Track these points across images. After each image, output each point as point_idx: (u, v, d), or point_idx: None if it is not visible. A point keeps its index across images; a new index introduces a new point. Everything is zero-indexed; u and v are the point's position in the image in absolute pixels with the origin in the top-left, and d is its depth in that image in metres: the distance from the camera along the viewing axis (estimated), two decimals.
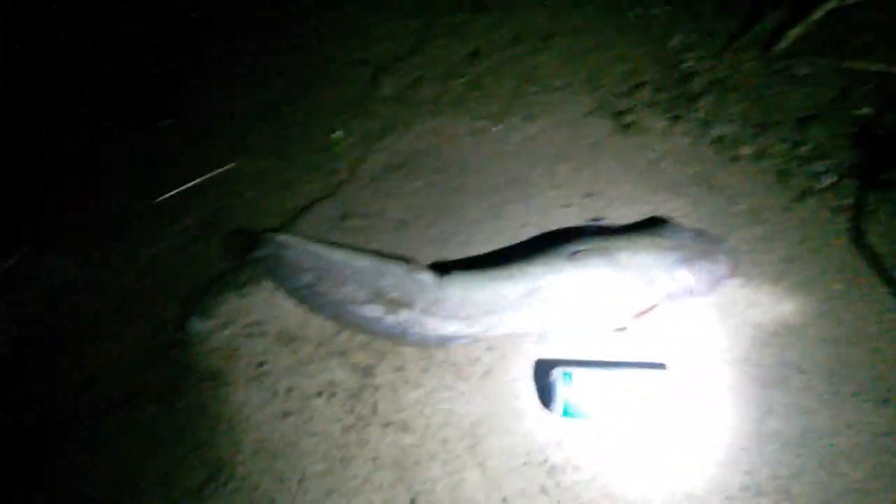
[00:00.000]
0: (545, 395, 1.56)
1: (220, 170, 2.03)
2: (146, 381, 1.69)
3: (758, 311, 1.66)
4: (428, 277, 1.65)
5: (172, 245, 1.92)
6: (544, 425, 1.56)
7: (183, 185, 2.01)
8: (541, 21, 2.22)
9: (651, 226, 1.74)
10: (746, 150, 1.88)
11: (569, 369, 1.51)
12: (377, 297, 1.67)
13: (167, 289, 1.84)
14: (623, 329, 1.63)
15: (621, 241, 1.63)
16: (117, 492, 1.56)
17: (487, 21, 2.24)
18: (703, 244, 1.62)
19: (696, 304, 1.66)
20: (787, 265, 1.72)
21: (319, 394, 1.62)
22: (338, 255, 1.74)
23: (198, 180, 2.02)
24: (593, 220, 1.82)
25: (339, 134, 2.08)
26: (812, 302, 1.67)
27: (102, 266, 1.90)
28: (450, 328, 1.61)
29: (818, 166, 1.84)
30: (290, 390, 1.63)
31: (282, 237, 1.80)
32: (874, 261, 1.70)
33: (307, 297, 1.72)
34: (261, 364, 1.67)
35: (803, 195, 1.81)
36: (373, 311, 1.66)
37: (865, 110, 1.91)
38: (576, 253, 1.59)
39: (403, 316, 1.64)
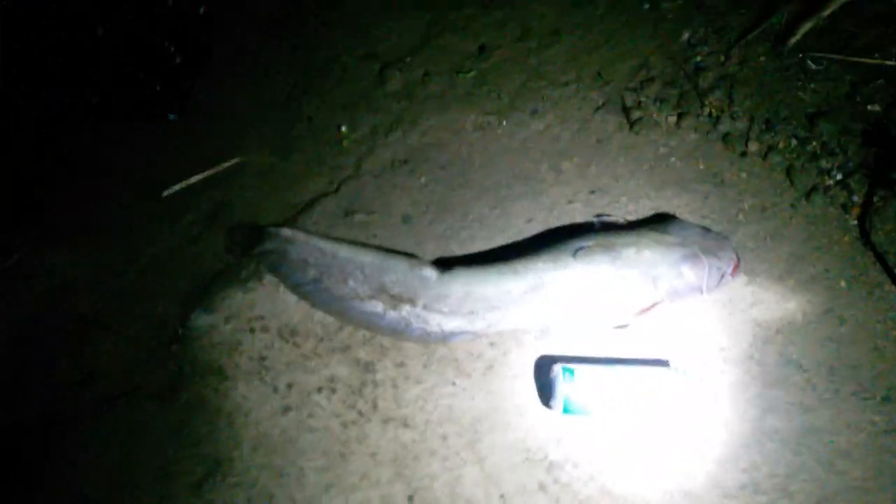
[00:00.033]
0: (546, 391, 1.64)
1: (227, 164, 2.11)
2: (146, 377, 1.79)
3: (761, 308, 1.73)
4: (431, 273, 1.72)
5: (175, 242, 2.00)
6: (545, 422, 1.64)
7: (189, 179, 2.09)
8: (550, 16, 2.26)
9: (656, 222, 1.80)
10: (755, 147, 1.95)
11: (570, 365, 1.59)
12: (380, 292, 1.74)
13: (169, 286, 1.93)
14: (626, 326, 1.70)
15: (626, 238, 1.69)
16: (116, 489, 1.67)
17: (496, 16, 2.28)
18: (708, 241, 1.69)
19: (700, 302, 1.72)
20: (793, 263, 1.78)
21: (320, 389, 1.71)
22: (341, 251, 1.81)
23: (204, 174, 2.09)
24: (598, 216, 1.87)
25: (344, 130, 2.15)
26: (816, 300, 1.73)
27: (103, 265, 1.99)
28: (452, 324, 1.68)
29: (826, 163, 1.90)
30: (290, 386, 1.72)
31: (286, 232, 1.87)
32: (881, 259, 1.75)
33: (310, 292, 1.80)
34: (262, 359, 1.76)
35: (811, 192, 1.86)
36: (375, 306, 1.74)
37: (876, 107, 1.95)
38: (580, 249, 1.66)
39: (406, 311, 1.71)
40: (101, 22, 2.25)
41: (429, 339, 1.72)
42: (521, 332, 1.75)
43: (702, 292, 1.65)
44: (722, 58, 2.11)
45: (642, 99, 2.08)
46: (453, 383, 1.71)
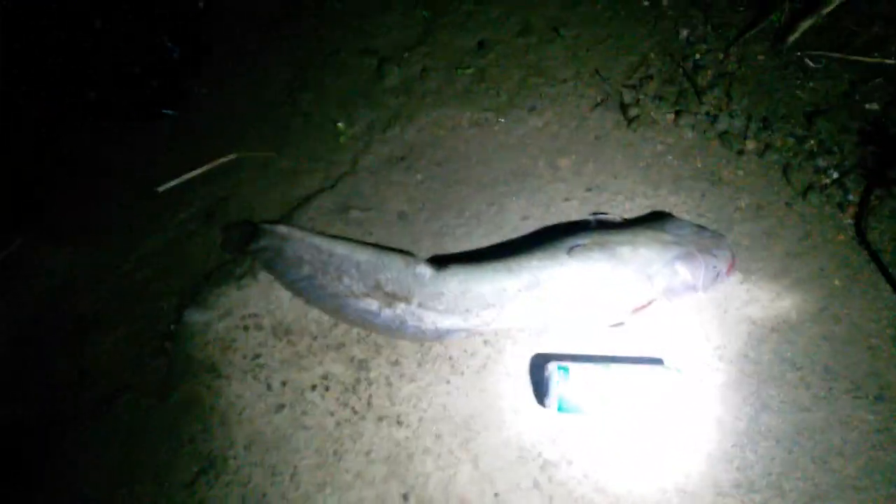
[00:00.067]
0: (540, 390, 1.63)
1: (222, 160, 2.11)
2: (142, 375, 1.79)
3: (756, 307, 1.74)
4: (426, 271, 1.72)
5: (171, 238, 2.01)
6: (539, 420, 1.64)
7: (185, 175, 2.09)
8: (550, 12, 2.27)
9: (653, 220, 1.81)
10: (752, 145, 1.95)
11: (565, 364, 1.59)
12: (375, 290, 1.74)
13: (165, 283, 1.93)
14: (621, 324, 1.70)
15: (622, 236, 1.69)
16: (112, 487, 1.67)
17: (495, 12, 2.30)
18: (704, 239, 1.69)
19: (695, 300, 1.73)
20: (788, 261, 1.79)
21: (314, 387, 1.71)
22: (337, 248, 1.82)
23: (200, 170, 2.10)
24: (595, 214, 1.88)
25: (340, 126, 2.15)
26: (811, 299, 1.74)
27: (103, 264, 1.99)
28: (447, 322, 1.69)
29: (823, 162, 1.90)
30: (284, 383, 1.72)
31: (281, 229, 1.88)
32: (875, 258, 1.76)
33: (305, 289, 1.80)
34: (256, 357, 1.76)
35: (807, 191, 1.87)
36: (370, 304, 1.74)
37: (874, 105, 1.96)
38: (576, 247, 1.66)
39: (401, 309, 1.71)
40: (101, 18, 2.24)
41: (423, 337, 1.72)
42: (517, 329, 1.76)
43: (697, 290, 1.65)
44: (720, 56, 2.12)
45: (640, 96, 2.09)
46: (447, 381, 1.72)
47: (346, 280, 1.77)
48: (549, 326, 1.75)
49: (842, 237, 1.81)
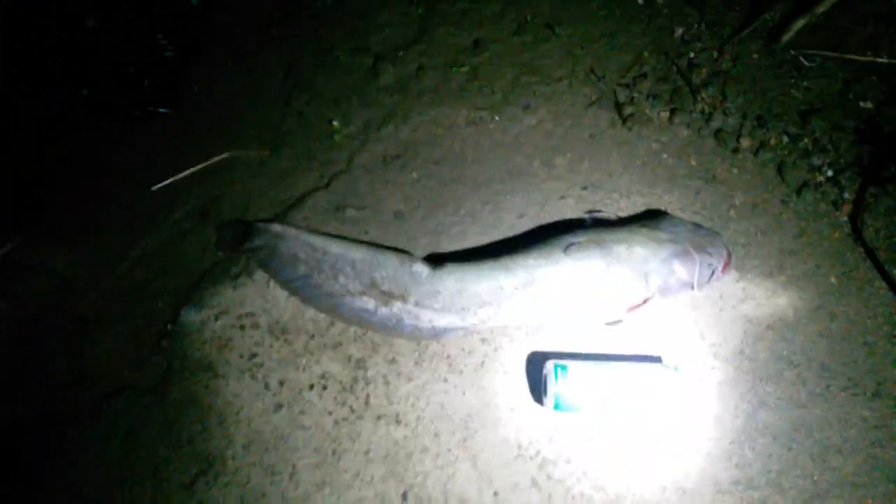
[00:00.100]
0: (538, 388, 1.62)
1: (214, 159, 2.08)
2: (141, 373, 1.77)
3: (752, 304, 1.72)
4: (422, 269, 1.69)
5: (166, 238, 1.98)
6: (537, 419, 1.62)
7: (178, 174, 2.06)
8: (545, 10, 2.24)
9: (648, 218, 1.78)
10: (747, 143, 1.93)
11: (562, 362, 1.57)
12: (371, 288, 1.72)
13: (161, 282, 1.90)
14: (618, 322, 1.67)
15: (618, 234, 1.67)
16: (111, 488, 1.65)
17: (491, 10, 2.27)
18: (699, 238, 1.66)
19: (691, 298, 1.71)
20: (784, 259, 1.77)
21: (311, 386, 1.69)
22: (332, 247, 1.79)
23: (192, 169, 2.07)
24: (590, 212, 1.86)
25: (335, 124, 2.12)
26: (807, 296, 1.72)
27: (103, 264, 1.96)
28: (444, 320, 1.66)
29: (818, 160, 1.88)
30: (282, 383, 1.70)
31: (276, 228, 1.85)
32: (871, 255, 1.74)
33: (301, 288, 1.77)
34: (253, 356, 1.74)
35: (802, 189, 1.85)
36: (367, 302, 1.71)
37: (868, 104, 1.94)
38: (572, 245, 1.63)
39: (397, 308, 1.69)
40: (97, 18, 2.22)
41: (420, 336, 1.70)
42: (513, 328, 1.73)
43: (693, 288, 1.63)
44: (715, 54, 2.09)
45: (635, 95, 2.06)
46: (445, 380, 1.69)
47: (341, 279, 1.75)
48: (546, 324, 1.72)
49: (837, 235, 1.79)
